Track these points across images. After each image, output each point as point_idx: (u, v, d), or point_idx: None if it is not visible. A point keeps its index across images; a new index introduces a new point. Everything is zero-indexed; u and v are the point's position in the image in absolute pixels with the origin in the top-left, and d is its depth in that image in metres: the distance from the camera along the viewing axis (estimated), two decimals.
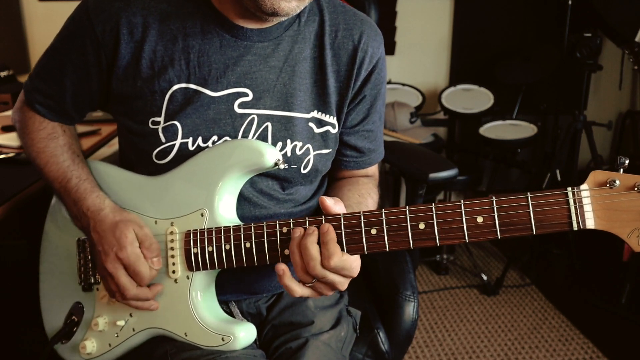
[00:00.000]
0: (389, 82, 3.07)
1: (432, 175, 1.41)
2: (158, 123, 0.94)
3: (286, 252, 0.86)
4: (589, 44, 2.58)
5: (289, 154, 0.98)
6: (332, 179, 1.15)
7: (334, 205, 0.85)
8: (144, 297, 0.94)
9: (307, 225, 0.85)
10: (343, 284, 0.85)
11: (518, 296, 2.67)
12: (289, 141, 0.97)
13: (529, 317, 2.48)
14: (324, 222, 0.84)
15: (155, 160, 0.96)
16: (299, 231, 0.84)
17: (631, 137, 3.14)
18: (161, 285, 0.95)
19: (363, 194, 1.05)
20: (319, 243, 0.83)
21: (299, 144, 0.98)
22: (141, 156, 0.98)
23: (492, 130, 2.94)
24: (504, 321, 2.46)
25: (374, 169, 1.16)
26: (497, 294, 2.68)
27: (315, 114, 1.00)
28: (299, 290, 0.85)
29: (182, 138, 0.94)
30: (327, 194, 1.11)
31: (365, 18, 1.04)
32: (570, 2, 2.57)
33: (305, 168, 1.00)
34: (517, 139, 2.84)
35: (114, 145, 1.75)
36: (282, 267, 0.84)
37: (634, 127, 3.11)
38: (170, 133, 0.94)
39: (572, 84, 2.81)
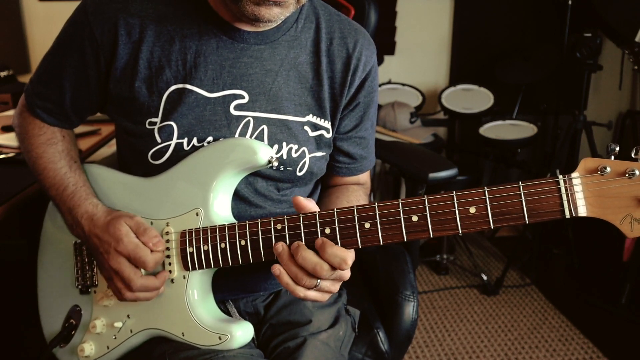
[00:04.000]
0: (389, 82, 3.07)
1: (432, 175, 1.41)
2: (155, 123, 0.95)
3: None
4: (589, 44, 2.58)
5: (284, 157, 0.98)
6: (323, 187, 1.16)
7: (308, 202, 0.86)
8: (153, 286, 0.93)
9: (302, 222, 0.85)
10: (344, 274, 0.86)
11: (518, 296, 2.67)
12: (284, 144, 0.98)
13: (529, 317, 2.48)
14: (317, 217, 0.84)
15: (151, 161, 0.96)
16: (281, 247, 0.85)
17: (631, 137, 3.14)
18: (167, 272, 0.94)
19: (351, 200, 1.06)
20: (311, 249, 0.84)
21: (295, 147, 0.99)
22: (137, 156, 0.98)
23: (492, 130, 2.94)
24: (504, 321, 2.46)
25: (365, 177, 1.17)
26: (497, 294, 2.68)
27: (310, 117, 1.00)
28: (302, 290, 0.85)
29: (178, 138, 0.94)
30: (317, 201, 1.12)
31: (358, 27, 1.06)
32: (570, 2, 2.56)
33: (300, 170, 1.01)
34: (517, 139, 2.84)
35: (113, 146, 1.75)
36: (277, 268, 0.85)
37: (634, 127, 3.11)
38: (166, 133, 0.94)
39: (572, 84, 2.80)
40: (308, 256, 0.83)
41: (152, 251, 0.92)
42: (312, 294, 0.86)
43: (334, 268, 0.83)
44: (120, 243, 0.91)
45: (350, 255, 0.83)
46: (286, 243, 0.86)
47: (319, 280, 0.84)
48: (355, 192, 1.10)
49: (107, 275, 0.95)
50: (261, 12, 0.86)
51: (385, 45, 3.03)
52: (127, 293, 0.93)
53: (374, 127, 1.12)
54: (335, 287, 0.88)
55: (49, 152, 1.03)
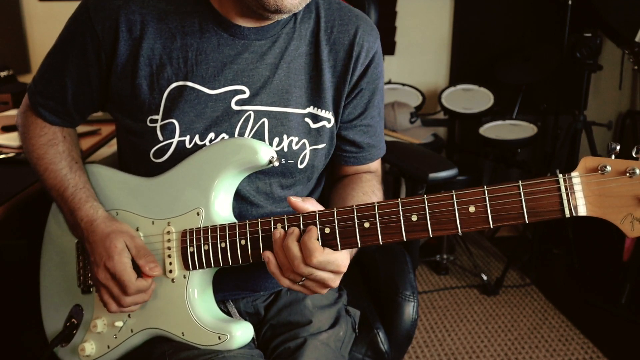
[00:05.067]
0: (389, 82, 3.07)
1: (432, 175, 1.41)
2: (156, 121, 0.95)
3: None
4: (589, 44, 2.58)
5: (285, 149, 0.98)
6: (335, 178, 1.15)
7: (303, 202, 0.86)
8: (142, 301, 0.94)
9: (301, 222, 0.85)
10: (334, 280, 0.85)
11: (518, 296, 2.67)
12: (285, 136, 0.98)
13: (529, 317, 2.48)
14: (317, 217, 0.84)
15: (153, 159, 0.96)
16: (278, 233, 0.84)
17: (631, 137, 3.14)
18: (154, 284, 0.95)
19: (367, 191, 1.05)
20: (299, 242, 0.83)
21: (295, 139, 0.99)
22: (139, 155, 0.98)
23: (492, 130, 2.94)
24: (504, 321, 2.46)
25: (376, 165, 1.15)
26: (497, 294, 2.68)
27: (311, 109, 1.00)
28: (287, 281, 0.85)
29: (180, 136, 0.94)
30: (330, 194, 1.12)
31: (360, 14, 1.05)
32: (570, 2, 2.56)
33: (302, 163, 1.01)
34: (517, 139, 2.84)
35: (113, 146, 1.75)
36: (267, 254, 0.84)
37: (634, 127, 3.11)
38: (168, 131, 0.94)
39: (572, 84, 2.80)
40: (292, 247, 0.82)
41: (144, 276, 0.93)
42: (296, 287, 0.86)
43: (307, 264, 0.81)
44: (111, 260, 0.92)
45: (319, 253, 0.80)
46: None
47: (303, 278, 0.83)
48: (369, 181, 1.09)
49: (95, 285, 0.96)
50: (284, 3, 0.85)
51: (385, 45, 3.01)
52: (114, 307, 0.94)
53: (381, 115, 1.11)
54: (321, 290, 0.86)
55: (50, 154, 1.03)
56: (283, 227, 0.86)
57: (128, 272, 0.92)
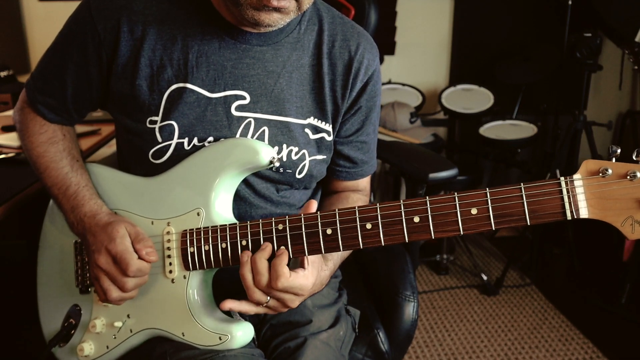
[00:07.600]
0: (389, 82, 3.07)
1: (432, 175, 1.41)
2: (155, 122, 0.95)
3: (281, 249, 0.86)
4: (589, 44, 2.58)
5: (284, 159, 0.98)
6: (324, 193, 1.16)
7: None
8: (141, 283, 0.93)
9: (303, 223, 0.85)
10: (294, 301, 0.88)
11: (518, 296, 2.67)
12: (285, 146, 0.98)
13: (529, 317, 2.48)
14: (319, 218, 0.84)
15: (152, 160, 0.96)
16: (246, 255, 0.87)
17: (631, 137, 3.14)
18: (149, 266, 0.95)
19: None
20: (270, 260, 0.85)
21: (295, 149, 0.99)
22: (138, 155, 0.98)
23: (492, 130, 2.94)
24: (504, 321, 2.46)
25: (365, 183, 1.16)
26: (497, 294, 2.68)
27: (311, 120, 1.00)
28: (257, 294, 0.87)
29: (178, 138, 0.94)
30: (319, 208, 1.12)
31: (362, 31, 1.06)
32: (570, 2, 2.56)
33: (300, 173, 1.01)
34: (517, 139, 2.84)
35: (113, 146, 1.75)
36: (228, 305, 0.88)
37: (634, 127, 3.11)
38: (167, 133, 0.94)
39: (572, 84, 2.80)
40: (259, 262, 0.85)
41: (139, 258, 0.92)
42: (260, 309, 0.89)
43: (271, 286, 0.84)
44: (112, 242, 0.91)
45: (285, 279, 0.83)
46: (287, 244, 0.86)
47: (268, 298, 0.86)
48: (358, 201, 1.10)
49: (94, 275, 0.94)
50: (261, 17, 0.86)
51: (385, 45, 3.03)
52: (115, 292, 0.92)
53: (376, 131, 1.12)
54: (283, 309, 0.89)
55: (50, 152, 1.03)
56: (286, 243, 0.87)
57: (130, 252, 0.91)
